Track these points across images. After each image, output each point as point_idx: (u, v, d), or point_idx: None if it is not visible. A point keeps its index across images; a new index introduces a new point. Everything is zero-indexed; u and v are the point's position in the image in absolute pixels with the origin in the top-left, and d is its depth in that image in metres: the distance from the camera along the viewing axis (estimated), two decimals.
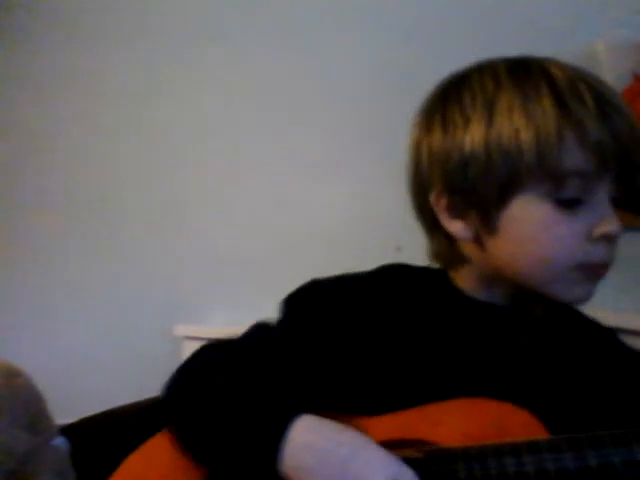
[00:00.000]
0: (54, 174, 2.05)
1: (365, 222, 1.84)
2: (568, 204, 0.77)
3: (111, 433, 1.13)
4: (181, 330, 1.83)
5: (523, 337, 0.85)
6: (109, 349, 1.93)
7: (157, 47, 2.02)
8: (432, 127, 0.84)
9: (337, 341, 0.85)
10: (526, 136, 0.76)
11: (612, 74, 1.39)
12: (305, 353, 0.85)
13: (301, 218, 1.90)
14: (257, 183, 1.94)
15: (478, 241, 0.82)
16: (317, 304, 0.88)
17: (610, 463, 0.67)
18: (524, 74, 0.81)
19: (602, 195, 0.78)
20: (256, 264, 1.90)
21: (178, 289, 1.94)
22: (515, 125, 0.77)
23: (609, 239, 0.78)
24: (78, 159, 2.05)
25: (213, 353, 0.87)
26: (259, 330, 0.88)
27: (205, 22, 2.00)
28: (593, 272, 0.80)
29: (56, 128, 2.06)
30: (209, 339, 0.89)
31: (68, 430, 1.10)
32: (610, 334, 0.91)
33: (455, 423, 0.75)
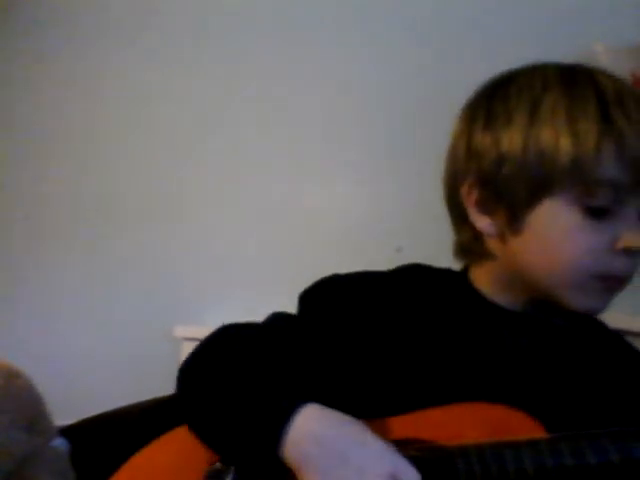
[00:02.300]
0: (54, 174, 2.05)
1: (365, 222, 1.84)
2: (596, 212, 0.77)
3: (111, 434, 1.13)
4: (181, 331, 1.82)
5: (539, 344, 0.84)
6: (109, 350, 1.93)
7: (157, 47, 2.01)
8: (475, 120, 0.84)
9: (351, 337, 0.85)
10: (565, 140, 0.76)
11: None
12: (319, 347, 0.85)
13: (301, 219, 1.89)
14: (257, 183, 1.94)
15: (502, 239, 0.82)
16: (335, 299, 0.88)
17: (608, 460, 0.68)
18: (574, 80, 0.80)
19: (631, 209, 0.78)
20: (256, 265, 1.89)
21: (178, 290, 1.94)
22: (556, 128, 0.77)
23: (632, 253, 0.78)
24: (78, 159, 2.04)
25: (234, 333, 0.87)
26: (278, 319, 0.89)
27: (205, 22, 2.00)
28: (611, 284, 0.80)
29: (56, 128, 2.06)
30: None
31: (68, 431, 1.10)
32: (618, 339, 0.91)
33: (456, 427, 0.75)
